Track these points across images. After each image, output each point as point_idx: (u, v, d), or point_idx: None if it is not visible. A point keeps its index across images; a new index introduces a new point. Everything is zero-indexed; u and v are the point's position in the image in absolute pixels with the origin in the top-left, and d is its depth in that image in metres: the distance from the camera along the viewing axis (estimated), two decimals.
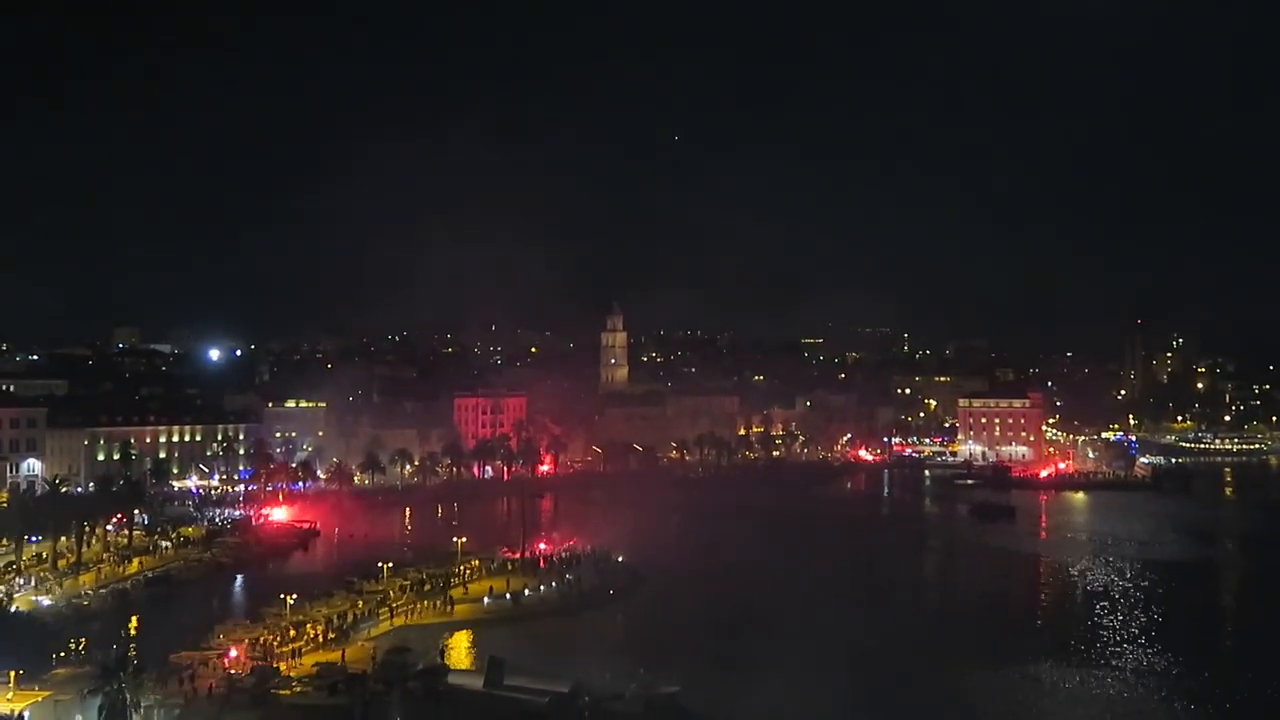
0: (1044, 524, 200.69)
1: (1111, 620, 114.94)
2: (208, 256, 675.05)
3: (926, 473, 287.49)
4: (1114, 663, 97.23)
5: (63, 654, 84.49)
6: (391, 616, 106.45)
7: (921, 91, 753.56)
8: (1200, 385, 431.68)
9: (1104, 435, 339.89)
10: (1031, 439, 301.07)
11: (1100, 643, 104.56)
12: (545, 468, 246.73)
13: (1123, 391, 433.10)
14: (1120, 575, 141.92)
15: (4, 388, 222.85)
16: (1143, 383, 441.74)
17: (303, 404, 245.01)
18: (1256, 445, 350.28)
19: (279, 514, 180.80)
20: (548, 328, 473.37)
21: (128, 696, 72.86)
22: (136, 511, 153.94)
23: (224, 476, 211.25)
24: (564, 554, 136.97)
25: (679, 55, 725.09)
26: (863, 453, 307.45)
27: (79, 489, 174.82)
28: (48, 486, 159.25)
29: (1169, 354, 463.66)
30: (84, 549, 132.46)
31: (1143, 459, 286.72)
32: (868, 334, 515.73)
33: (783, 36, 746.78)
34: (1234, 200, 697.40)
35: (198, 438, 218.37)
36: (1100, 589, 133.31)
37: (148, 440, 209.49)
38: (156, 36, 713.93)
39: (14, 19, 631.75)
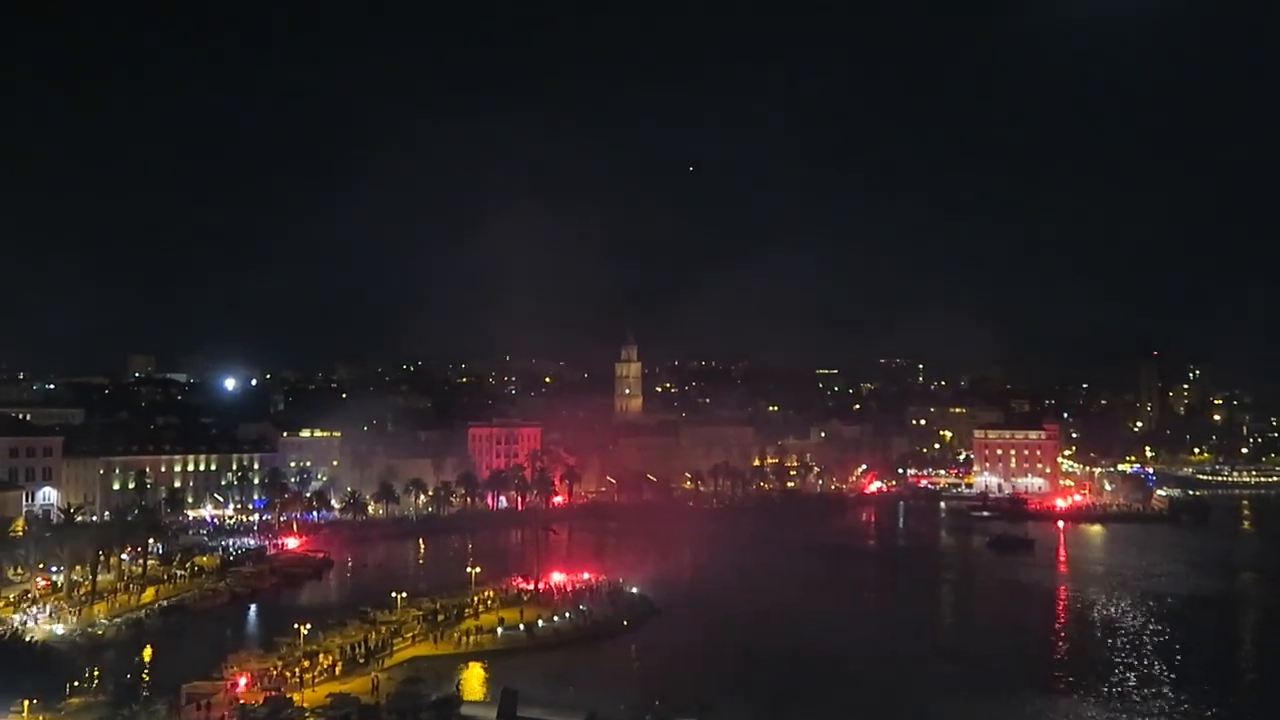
0: (1062, 556, 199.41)
1: (1130, 654, 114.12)
2: (222, 286, 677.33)
3: (942, 504, 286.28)
4: (1132, 697, 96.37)
5: (77, 683, 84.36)
6: (408, 646, 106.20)
7: (935, 120, 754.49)
8: (1217, 417, 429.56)
9: (1120, 467, 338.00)
10: (1047, 471, 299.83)
11: (1119, 677, 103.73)
12: (559, 498, 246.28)
13: (1139, 423, 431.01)
14: (1139, 608, 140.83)
15: (20, 416, 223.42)
16: (1159, 415, 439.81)
17: (317, 433, 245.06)
18: (1274, 477, 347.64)
19: (292, 543, 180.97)
20: (562, 358, 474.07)
21: None
22: (151, 541, 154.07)
23: (238, 506, 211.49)
24: (578, 585, 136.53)
25: (696, 85, 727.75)
26: (877, 483, 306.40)
27: (94, 518, 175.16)
28: (63, 515, 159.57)
29: (1185, 386, 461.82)
30: (99, 578, 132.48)
31: (1160, 491, 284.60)
32: (882, 365, 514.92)
33: (793, 67, 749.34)
34: (1252, 230, 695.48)
35: (212, 467, 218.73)
36: (1119, 622, 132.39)
37: (163, 469, 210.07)
38: (170, 59, 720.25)
39: (28, 39, 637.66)
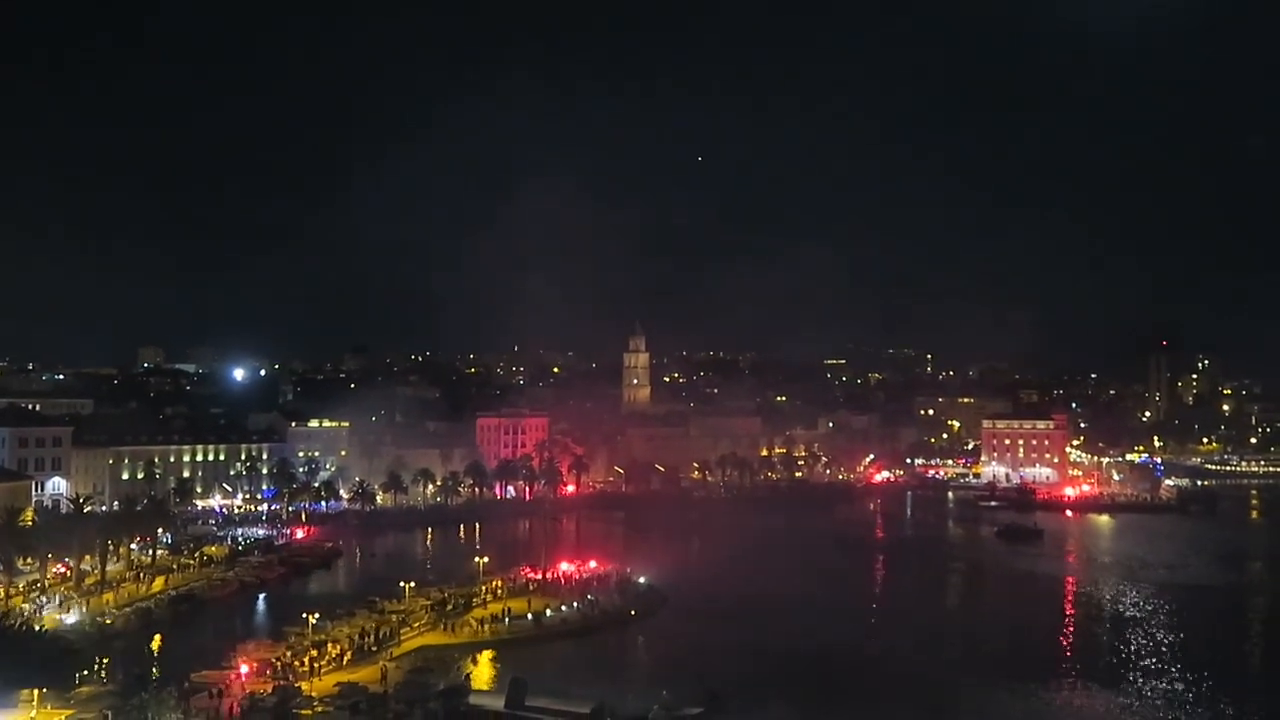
0: (1070, 546, 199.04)
1: (1138, 644, 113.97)
2: (232, 276, 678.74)
3: (950, 494, 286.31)
4: (1141, 687, 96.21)
5: (86, 672, 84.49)
6: (416, 635, 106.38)
7: (947, 113, 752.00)
8: (1226, 407, 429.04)
9: (1128, 457, 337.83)
10: (1055, 460, 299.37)
11: (1127, 667, 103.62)
12: (568, 488, 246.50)
13: (1147, 413, 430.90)
14: (1147, 598, 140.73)
15: (30, 407, 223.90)
16: (1167, 404, 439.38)
17: (326, 424, 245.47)
18: None
19: (300, 534, 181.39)
20: (570, 348, 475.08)
21: (150, 715, 72.99)
22: (160, 530, 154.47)
23: (247, 496, 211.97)
24: (586, 574, 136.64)
25: (704, 78, 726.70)
26: (885, 473, 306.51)
27: (103, 508, 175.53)
28: (72, 505, 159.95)
29: (1194, 375, 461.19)
30: (108, 567, 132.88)
31: (1168, 481, 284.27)
32: (890, 355, 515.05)
33: (792, 63, 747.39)
34: (1261, 221, 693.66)
35: (221, 457, 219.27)
36: (1128, 612, 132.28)
37: (172, 459, 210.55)
38: (177, 56, 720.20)
39: (34, 45, 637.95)
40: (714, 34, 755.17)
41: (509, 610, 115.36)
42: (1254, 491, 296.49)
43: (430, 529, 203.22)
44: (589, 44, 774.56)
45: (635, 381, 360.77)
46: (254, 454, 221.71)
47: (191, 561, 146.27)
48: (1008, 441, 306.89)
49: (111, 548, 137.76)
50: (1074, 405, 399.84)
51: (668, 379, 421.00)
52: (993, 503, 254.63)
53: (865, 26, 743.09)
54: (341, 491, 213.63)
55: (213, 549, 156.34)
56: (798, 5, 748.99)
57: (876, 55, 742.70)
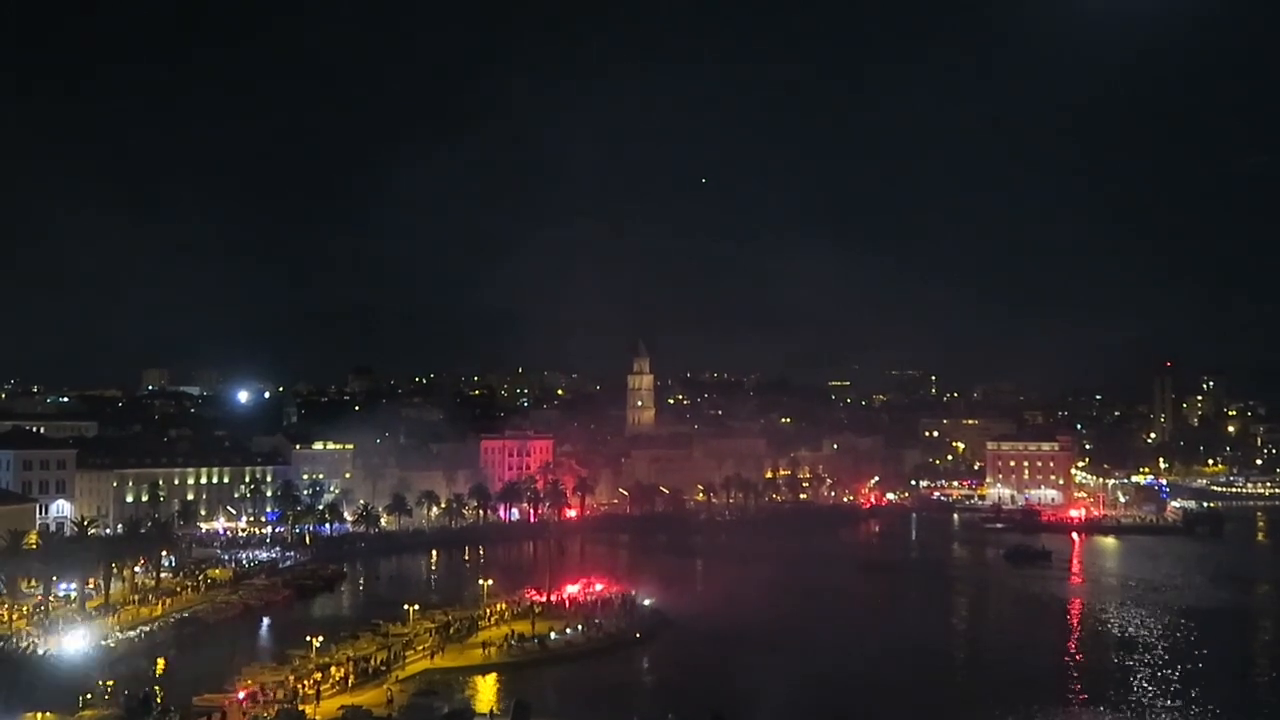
0: (1076, 568, 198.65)
1: (1144, 667, 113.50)
2: (236, 299, 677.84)
3: (955, 516, 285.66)
4: (1149, 710, 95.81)
5: (90, 695, 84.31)
6: (420, 658, 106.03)
7: (942, 126, 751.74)
8: (1231, 428, 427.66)
9: (1134, 479, 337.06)
10: (1061, 482, 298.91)
11: (1135, 689, 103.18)
12: (572, 510, 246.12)
13: (1152, 435, 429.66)
14: (1154, 620, 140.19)
15: (34, 429, 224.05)
16: (1173, 426, 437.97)
17: (330, 446, 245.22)
18: None
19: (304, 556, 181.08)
20: (574, 370, 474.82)
21: None
22: (164, 553, 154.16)
23: (251, 518, 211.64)
24: (591, 597, 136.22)
25: (711, 97, 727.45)
26: (889, 495, 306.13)
27: (107, 530, 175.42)
28: (76, 528, 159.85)
29: (1199, 397, 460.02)
30: (111, 590, 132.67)
31: (1174, 503, 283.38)
32: (895, 376, 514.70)
33: (810, 78, 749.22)
34: (1266, 239, 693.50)
35: (225, 479, 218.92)
36: (1133, 635, 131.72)
37: (176, 482, 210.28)
38: (179, 74, 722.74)
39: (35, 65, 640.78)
40: (718, 54, 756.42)
41: (514, 633, 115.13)
42: (1260, 513, 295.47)
43: (434, 551, 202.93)
44: (595, 66, 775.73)
45: (639, 403, 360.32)
46: (258, 476, 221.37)
47: (195, 584, 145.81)
48: (1013, 463, 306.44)
49: (115, 570, 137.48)
50: (1079, 426, 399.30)
51: (672, 400, 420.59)
52: (998, 524, 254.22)
53: (865, 57, 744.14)
54: (346, 514, 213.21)
55: (217, 572, 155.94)
56: (781, 21, 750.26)
57: (878, 77, 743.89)
